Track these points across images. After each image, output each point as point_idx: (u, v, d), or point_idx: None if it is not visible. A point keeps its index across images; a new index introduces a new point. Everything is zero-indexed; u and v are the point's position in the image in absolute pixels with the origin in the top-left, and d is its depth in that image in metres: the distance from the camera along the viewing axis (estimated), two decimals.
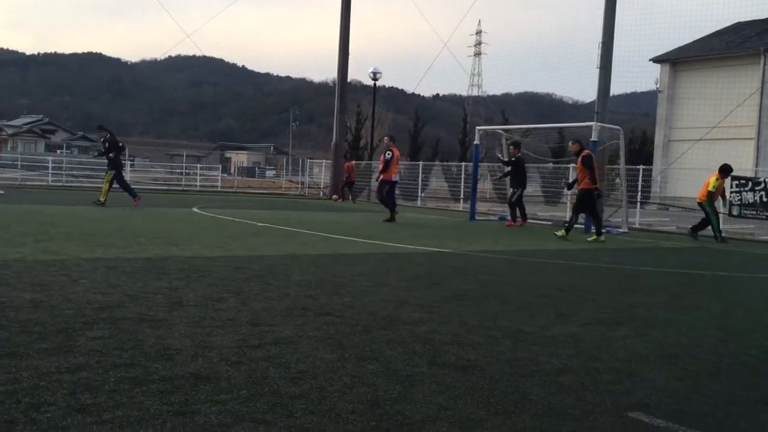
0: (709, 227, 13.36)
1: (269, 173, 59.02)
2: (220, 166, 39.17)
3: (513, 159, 15.12)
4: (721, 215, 13.94)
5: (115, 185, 14.35)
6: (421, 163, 26.28)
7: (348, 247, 8.64)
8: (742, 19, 35.79)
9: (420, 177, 24.86)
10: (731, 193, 14.30)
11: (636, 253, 10.53)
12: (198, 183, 30.10)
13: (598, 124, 14.84)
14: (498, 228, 13.82)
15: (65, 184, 24.57)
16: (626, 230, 14.85)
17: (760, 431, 2.67)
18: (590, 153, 11.98)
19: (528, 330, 4.11)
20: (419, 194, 24.87)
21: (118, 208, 13.54)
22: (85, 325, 3.58)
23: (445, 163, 30.18)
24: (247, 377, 2.84)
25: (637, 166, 18.19)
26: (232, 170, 65.17)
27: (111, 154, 14.18)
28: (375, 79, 28.08)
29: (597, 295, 5.75)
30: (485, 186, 24.82)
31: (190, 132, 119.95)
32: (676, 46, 34.79)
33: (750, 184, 14.25)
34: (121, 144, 14.79)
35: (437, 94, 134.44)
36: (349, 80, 27.80)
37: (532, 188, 20.92)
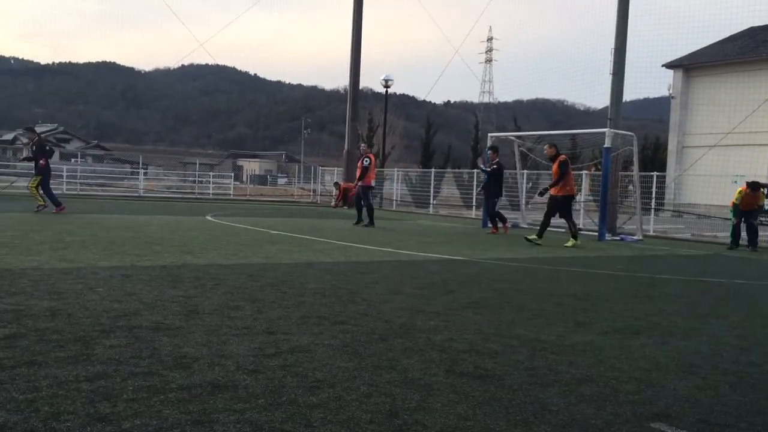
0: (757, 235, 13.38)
1: (281, 181, 59.09)
2: (232, 174, 39.41)
3: (494, 165, 14.46)
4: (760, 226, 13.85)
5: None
6: (433, 170, 26.25)
7: (362, 254, 8.64)
8: (755, 24, 35.56)
9: (432, 184, 24.83)
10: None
11: (651, 260, 10.44)
12: (211, 191, 30.26)
13: (612, 130, 14.79)
14: (511, 235, 13.76)
15: (80, 193, 24.77)
16: (641, 237, 14.76)
17: None
18: (566, 158, 11.96)
19: (545, 338, 4.07)
20: (431, 201, 24.84)
21: (131, 216, 13.63)
22: (102, 333, 3.59)
23: (456, 170, 30.13)
24: (264, 386, 2.83)
25: (651, 173, 18.10)
26: (244, 178, 65.41)
27: (41, 162, 13.24)
28: (387, 86, 28.11)
29: (614, 303, 5.69)
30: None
31: (203, 140, 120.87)
32: (688, 51, 34.65)
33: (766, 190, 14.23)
34: (48, 147, 13.89)
35: (448, 101, 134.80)
36: (360, 88, 27.88)
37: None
